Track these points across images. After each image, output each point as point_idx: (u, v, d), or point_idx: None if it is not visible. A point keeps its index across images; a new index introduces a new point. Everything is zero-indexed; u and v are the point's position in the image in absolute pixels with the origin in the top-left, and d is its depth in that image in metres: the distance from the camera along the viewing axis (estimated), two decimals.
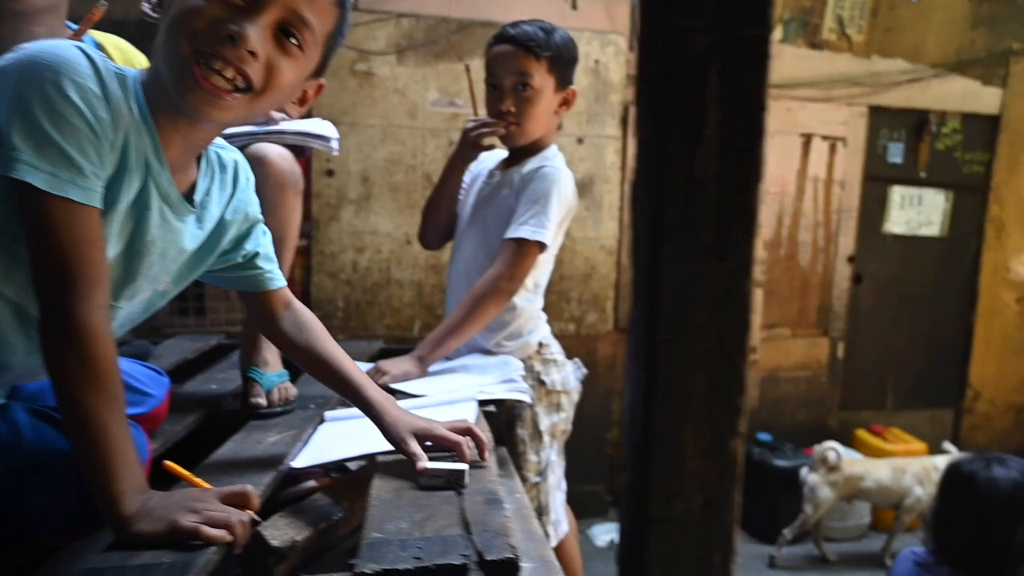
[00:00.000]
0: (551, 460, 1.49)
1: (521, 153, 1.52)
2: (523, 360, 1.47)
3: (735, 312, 0.44)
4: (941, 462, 3.11)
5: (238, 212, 1.00)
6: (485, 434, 1.00)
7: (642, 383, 0.45)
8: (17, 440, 0.80)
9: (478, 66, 1.63)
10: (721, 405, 0.45)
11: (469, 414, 1.10)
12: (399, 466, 0.91)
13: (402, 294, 3.21)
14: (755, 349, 3.64)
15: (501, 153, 1.59)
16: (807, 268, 3.70)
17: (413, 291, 3.22)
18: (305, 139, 1.31)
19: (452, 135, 3.06)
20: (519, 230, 1.39)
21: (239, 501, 0.75)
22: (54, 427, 0.81)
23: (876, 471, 3.17)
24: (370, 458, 0.96)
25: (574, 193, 1.51)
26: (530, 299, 1.53)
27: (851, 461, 3.19)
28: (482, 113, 1.54)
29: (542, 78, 1.46)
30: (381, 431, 0.96)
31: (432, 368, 1.42)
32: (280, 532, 0.83)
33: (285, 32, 0.81)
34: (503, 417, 1.42)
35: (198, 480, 0.81)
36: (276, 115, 1.38)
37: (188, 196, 0.92)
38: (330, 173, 3.08)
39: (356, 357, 1.12)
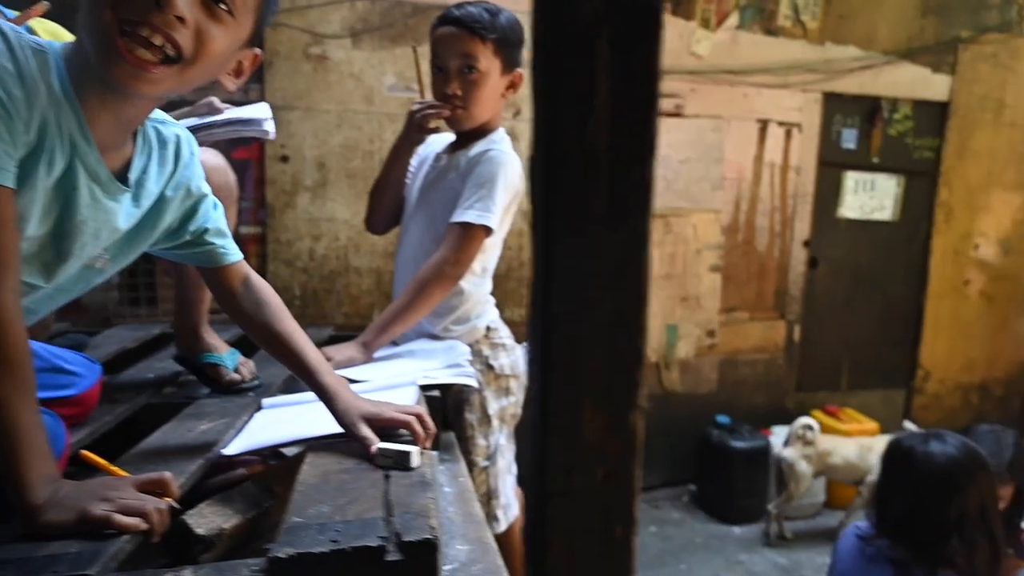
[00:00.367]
0: (500, 444, 1.49)
1: (468, 137, 1.50)
2: (471, 345, 1.47)
3: (631, 285, 0.44)
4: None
5: (179, 188, 0.98)
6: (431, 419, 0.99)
7: (538, 357, 0.44)
8: None
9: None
10: (620, 379, 0.45)
11: (409, 399, 1.09)
12: (330, 450, 0.90)
13: (360, 282, 3.17)
14: (714, 333, 3.69)
15: (449, 136, 1.57)
16: (764, 253, 3.75)
17: (372, 278, 3.18)
18: (236, 130, 1.26)
19: None
20: (465, 214, 1.38)
21: (156, 488, 0.73)
22: None
23: (843, 448, 3.25)
24: (306, 443, 0.95)
25: (521, 177, 1.50)
26: (477, 283, 1.52)
27: (822, 437, 3.26)
28: (429, 96, 1.52)
29: (488, 61, 1.44)
30: (333, 416, 0.95)
31: (378, 354, 1.40)
32: (206, 520, 0.81)
33: None
34: (451, 402, 1.41)
35: (115, 469, 0.79)
36: (220, 105, 1.34)
37: (123, 174, 0.89)
38: (284, 159, 3.03)
39: None
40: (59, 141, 0.78)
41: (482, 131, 1.49)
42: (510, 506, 1.50)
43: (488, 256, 1.52)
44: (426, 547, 0.62)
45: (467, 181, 1.41)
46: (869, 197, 3.90)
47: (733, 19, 3.49)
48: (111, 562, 0.62)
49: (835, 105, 3.74)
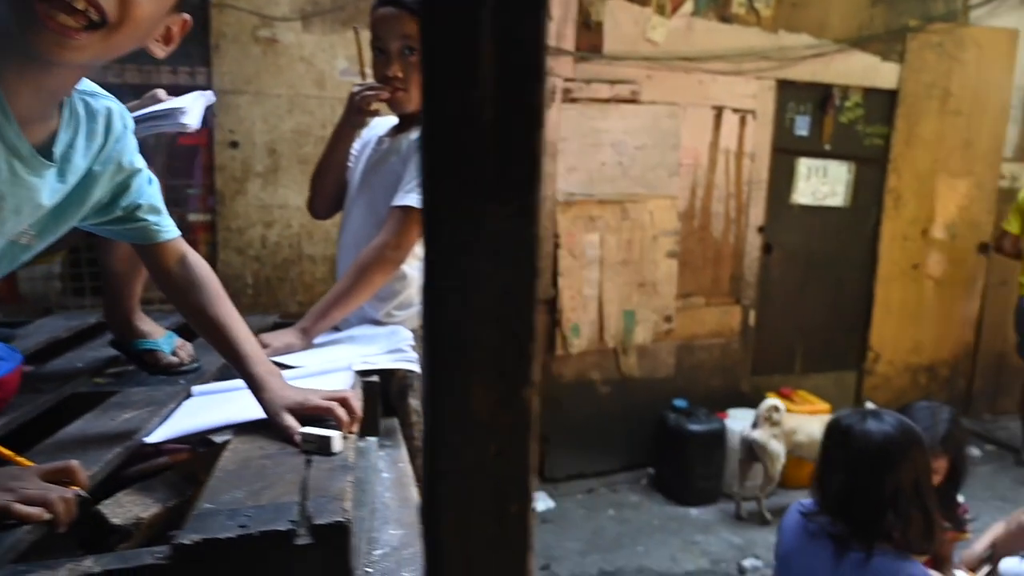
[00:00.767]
0: None
1: (411, 119, 1.48)
2: (414, 330, 1.45)
3: (521, 259, 0.43)
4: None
5: (109, 163, 0.94)
6: (358, 403, 0.98)
7: (427, 334, 0.44)
8: None
9: None
10: (511, 354, 0.44)
11: (343, 384, 1.07)
12: (255, 437, 0.88)
13: (315, 269, 3.13)
14: (671, 318, 3.73)
15: (392, 120, 1.55)
16: (720, 239, 3.80)
17: (326, 266, 3.14)
18: (155, 125, 1.21)
19: None
20: (406, 198, 1.36)
21: (63, 477, 0.71)
22: None
23: (808, 426, 3.33)
24: (232, 428, 0.93)
25: None
26: (420, 268, 1.50)
27: (787, 416, 3.33)
28: (370, 78, 1.49)
29: None
30: (260, 406, 0.94)
31: (319, 339, 1.38)
32: (123, 510, 0.79)
33: None
34: (394, 387, 1.40)
35: (19, 459, 0.76)
36: (163, 96, 1.29)
37: (48, 148, 0.86)
38: (234, 145, 2.96)
39: None
40: None
41: None
42: None
43: None
44: (338, 530, 0.61)
45: (409, 164, 1.40)
46: (821, 183, 3.98)
47: (688, 6, 3.51)
48: (8, 553, 0.60)
49: (788, 92, 3.80)
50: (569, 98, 3.39)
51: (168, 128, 1.21)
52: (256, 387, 0.95)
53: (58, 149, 0.87)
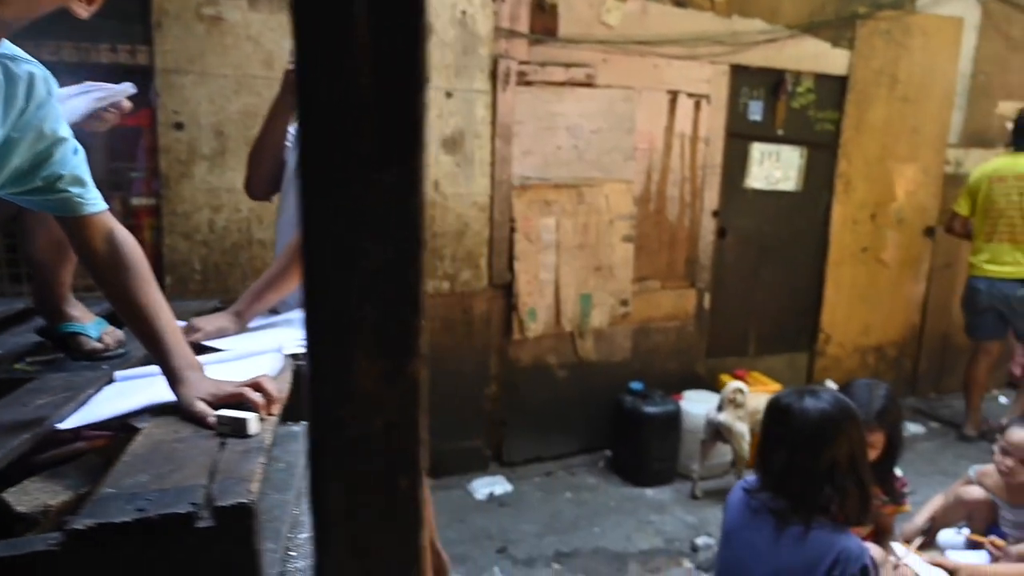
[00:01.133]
0: None
1: None
2: None
3: (404, 229, 0.42)
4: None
5: (29, 129, 0.90)
6: (281, 385, 0.96)
7: (307, 307, 0.42)
8: None
9: None
10: (395, 327, 0.43)
11: (270, 367, 1.05)
12: (173, 421, 0.86)
13: (265, 254, 3.06)
14: (627, 302, 3.76)
15: None
16: (675, 223, 3.84)
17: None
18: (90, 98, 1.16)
19: None
20: None
21: None
22: None
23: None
24: (147, 412, 0.90)
25: None
26: None
27: (750, 396, 3.39)
28: None
29: None
30: (177, 400, 0.92)
31: (255, 323, 1.35)
32: (29, 498, 0.76)
33: None
34: None
35: None
36: (93, 84, 1.24)
37: None
38: (179, 126, 2.88)
39: (182, 317, 1.06)
40: None
41: None
42: None
43: None
44: (241, 512, 0.59)
45: None
46: (774, 168, 4.03)
47: None
48: None
49: (742, 77, 3.83)
50: (524, 81, 3.37)
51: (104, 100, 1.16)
52: (173, 381, 0.93)
53: None
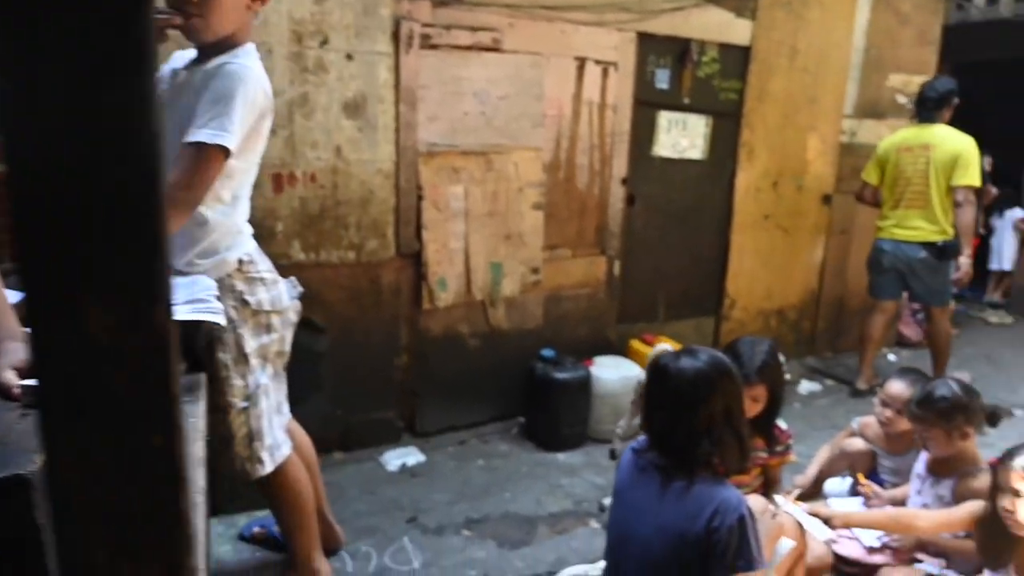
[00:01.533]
0: (262, 384, 1.41)
1: (209, 51, 1.36)
2: (222, 279, 1.36)
3: (137, 155, 0.37)
4: None
5: None
6: None
7: (24, 247, 0.37)
8: None
9: None
10: (132, 271, 0.38)
11: None
12: None
13: None
14: (538, 270, 3.76)
15: (192, 52, 1.41)
16: (584, 190, 3.86)
17: None
18: None
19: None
20: (197, 133, 1.25)
21: None
22: None
23: None
24: None
25: (267, 95, 1.38)
26: (226, 212, 1.39)
27: None
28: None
29: None
30: None
31: None
32: None
33: None
34: (201, 341, 1.31)
35: None
36: None
37: None
38: None
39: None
40: None
41: (226, 45, 1.35)
42: (278, 447, 1.44)
43: (237, 182, 1.40)
44: (18, 484, 0.54)
45: (202, 98, 1.28)
46: (681, 136, 4.10)
47: None
48: None
49: (649, 45, 3.86)
50: (428, 44, 3.28)
51: None
52: None
53: None
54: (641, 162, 4.00)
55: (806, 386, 4.50)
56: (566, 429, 3.61)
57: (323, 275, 3.23)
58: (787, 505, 1.94)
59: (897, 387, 2.64)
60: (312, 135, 3.10)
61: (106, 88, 0.39)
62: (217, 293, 1.28)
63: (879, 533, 2.29)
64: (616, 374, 3.67)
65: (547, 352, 3.70)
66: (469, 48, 3.38)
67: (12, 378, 0.79)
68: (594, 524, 2.95)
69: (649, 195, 4.09)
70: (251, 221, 3.04)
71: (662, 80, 3.95)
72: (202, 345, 1.33)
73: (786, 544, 1.84)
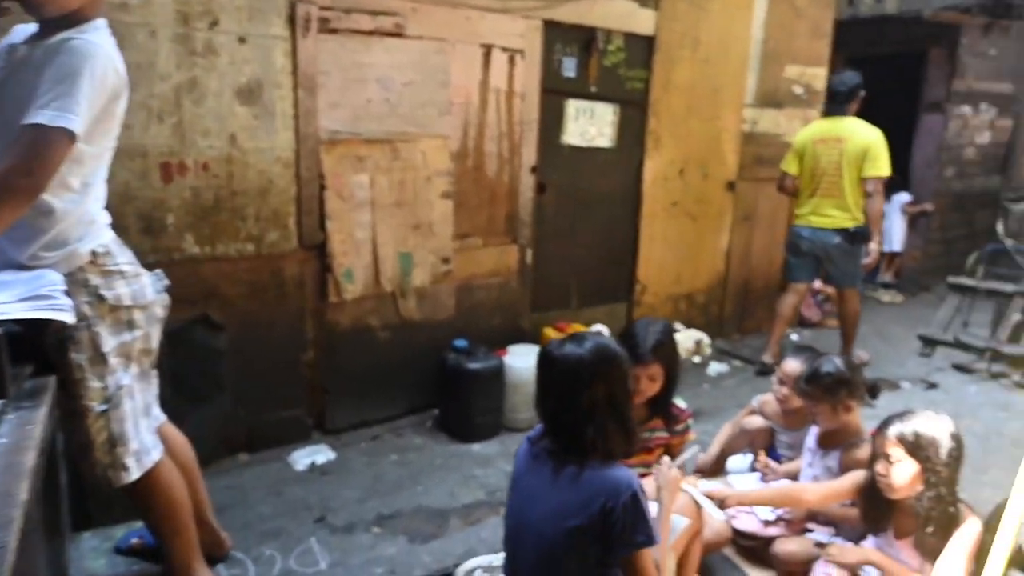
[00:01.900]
0: (124, 384, 1.31)
1: (53, 26, 1.24)
2: (72, 273, 1.25)
3: None
4: (680, 337, 3.82)
5: None
6: None
7: None
8: None
9: None
10: None
11: None
12: None
13: None
14: (448, 260, 3.72)
15: (32, 26, 1.29)
16: (494, 179, 3.83)
17: None
18: None
19: None
20: (37, 115, 1.14)
21: None
22: None
23: None
24: None
25: (120, 74, 1.27)
26: (76, 201, 1.28)
27: None
28: None
29: None
30: None
31: None
32: None
33: None
34: (50, 341, 1.20)
35: None
36: None
37: None
38: None
39: None
40: None
41: (73, 20, 1.24)
42: (146, 451, 1.35)
43: (89, 168, 1.29)
44: None
45: (43, 75, 1.17)
46: (589, 124, 4.14)
47: None
48: None
49: (555, 33, 3.86)
50: (327, 28, 3.17)
51: None
52: None
53: None
54: (550, 150, 4.01)
55: (715, 367, 4.65)
56: (480, 419, 3.59)
57: (221, 269, 3.09)
58: (684, 485, 1.98)
59: (792, 365, 2.75)
60: (203, 122, 2.94)
61: None
62: (65, 288, 1.18)
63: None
64: (529, 363, 3.64)
65: (459, 342, 3.67)
66: (371, 33, 3.28)
67: None
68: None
69: (559, 183, 4.11)
70: (138, 213, 2.89)
71: (569, 68, 3.97)
72: (52, 345, 1.22)
73: (680, 522, 1.88)
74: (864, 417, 2.54)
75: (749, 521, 2.37)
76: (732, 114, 4.72)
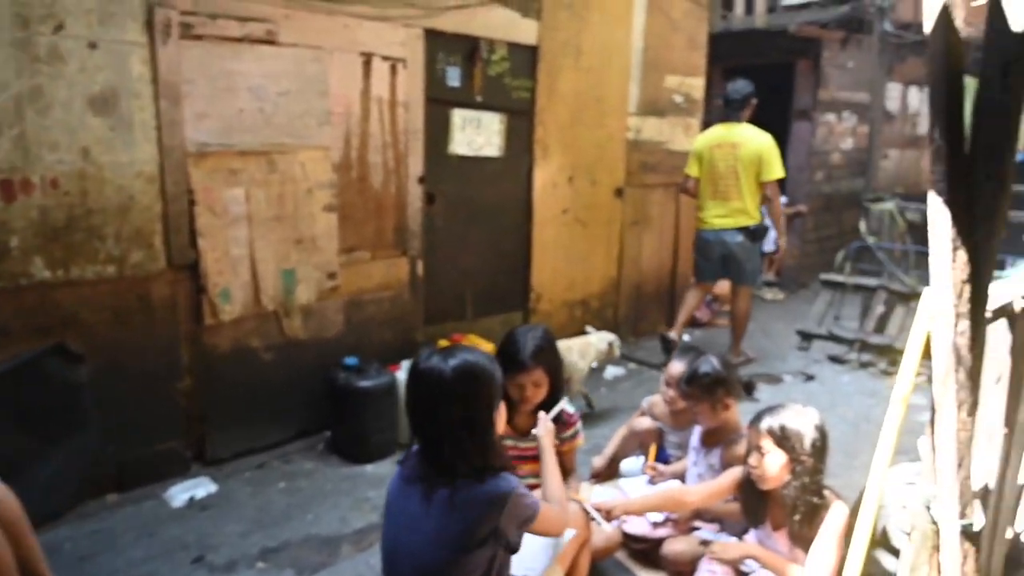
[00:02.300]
0: None
1: None
2: None
3: None
4: (593, 339, 3.93)
5: None
6: None
7: None
8: None
9: None
10: None
11: None
12: None
13: None
14: (335, 275, 3.59)
15: None
16: (380, 190, 3.74)
17: None
18: None
19: None
20: None
21: None
22: None
23: None
24: None
25: None
26: None
27: None
28: None
29: None
30: None
31: None
32: None
33: None
34: None
35: None
36: None
37: None
38: None
39: None
40: None
41: None
42: None
43: None
44: None
45: None
46: (476, 134, 4.12)
47: None
48: None
49: (437, 42, 3.82)
50: (191, 35, 2.98)
51: None
52: None
53: None
54: (438, 160, 3.96)
55: (611, 371, 4.73)
56: (374, 439, 3.48)
57: (78, 294, 2.84)
58: (573, 496, 1.97)
59: (677, 367, 2.81)
60: (50, 134, 2.69)
61: None
62: None
63: None
64: None
65: (350, 360, 3.54)
66: (240, 40, 3.12)
67: None
68: None
69: (449, 193, 4.06)
70: None
71: (453, 78, 3.94)
72: None
73: (568, 532, 1.86)
74: (749, 413, 2.63)
75: (639, 524, 2.40)
76: (617, 122, 4.84)
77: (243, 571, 2.61)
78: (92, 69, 2.76)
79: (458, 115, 4.00)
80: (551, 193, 4.55)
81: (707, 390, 2.35)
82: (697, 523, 2.40)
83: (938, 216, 1.34)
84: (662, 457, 2.88)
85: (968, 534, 1.46)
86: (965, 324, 1.37)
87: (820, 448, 1.96)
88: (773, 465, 1.96)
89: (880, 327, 4.88)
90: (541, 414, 2.11)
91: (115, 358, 2.96)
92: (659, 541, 2.39)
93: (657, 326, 5.53)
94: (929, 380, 1.48)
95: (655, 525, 2.40)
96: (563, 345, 3.93)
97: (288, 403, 3.53)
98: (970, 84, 1.22)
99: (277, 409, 3.50)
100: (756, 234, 4.65)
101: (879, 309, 4.90)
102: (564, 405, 2.34)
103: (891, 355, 4.67)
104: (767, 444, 1.96)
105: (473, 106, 4.05)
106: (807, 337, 5.23)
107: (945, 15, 1.24)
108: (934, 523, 1.54)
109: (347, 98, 3.52)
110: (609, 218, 4.96)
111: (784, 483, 1.96)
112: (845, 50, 6.91)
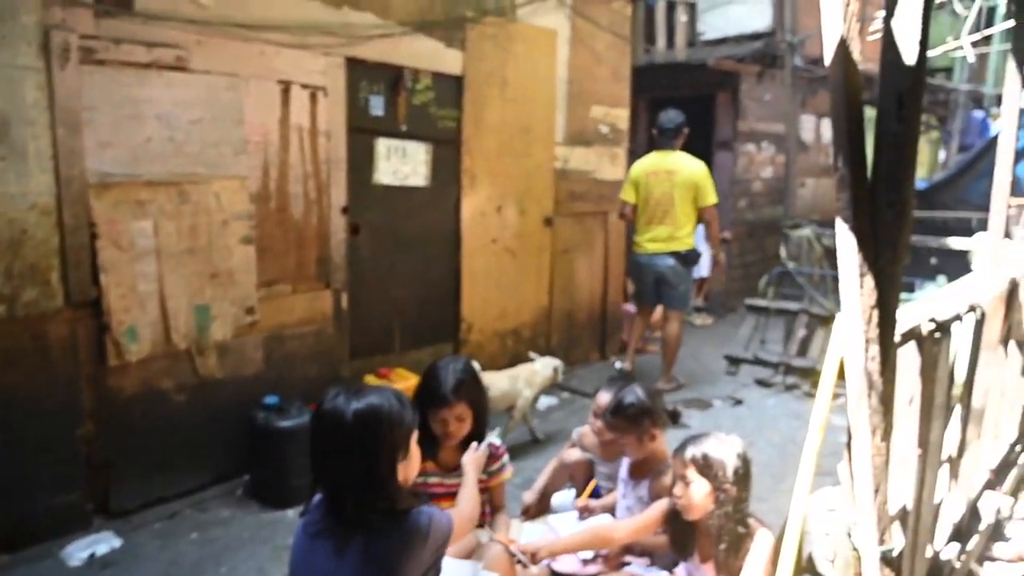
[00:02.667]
0: None
1: None
2: None
3: None
4: (538, 366, 3.97)
5: None
6: None
7: None
8: None
9: None
10: None
11: None
12: None
13: None
14: (253, 310, 3.43)
15: None
16: (301, 221, 3.62)
17: None
18: None
19: None
20: None
21: None
22: None
23: (498, 382, 3.75)
24: None
25: None
26: None
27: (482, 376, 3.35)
28: None
29: None
30: None
31: None
32: None
33: None
34: None
35: None
36: None
37: None
38: None
39: None
40: None
41: None
42: None
43: None
44: None
45: None
46: (402, 163, 4.06)
47: None
48: None
49: (359, 71, 3.76)
50: (93, 60, 2.83)
51: None
52: None
53: None
54: (362, 190, 3.87)
55: (544, 401, 4.68)
56: (296, 481, 3.30)
57: None
58: (497, 538, 1.90)
59: (605, 398, 2.77)
60: None
61: None
62: None
63: None
64: None
65: (270, 399, 3.38)
66: (148, 66, 2.98)
67: None
68: None
69: (374, 224, 3.97)
70: None
71: (376, 107, 3.88)
72: None
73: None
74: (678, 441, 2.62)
75: (568, 562, 2.33)
76: (544, 152, 4.87)
77: None
78: None
79: (382, 144, 3.93)
80: (480, 222, 4.52)
81: (633, 421, 2.32)
82: (628, 558, 2.35)
83: (845, 243, 1.35)
84: (597, 491, 2.82)
85: (888, 560, 1.46)
86: (875, 349, 1.38)
87: (743, 476, 1.95)
88: (697, 494, 1.94)
89: (803, 350, 5.02)
90: (473, 444, 2.06)
91: (6, 405, 2.72)
92: None
93: (590, 353, 5.54)
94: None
95: (585, 562, 2.34)
96: (510, 373, 3.93)
97: (203, 447, 3.32)
98: (871, 115, 1.24)
99: (191, 454, 3.29)
100: (688, 259, 4.77)
101: (801, 332, 5.05)
102: (492, 438, 2.27)
103: (814, 377, 4.79)
104: (691, 473, 1.94)
105: (398, 135, 3.99)
106: (735, 361, 5.33)
107: (843, 48, 1.26)
108: (855, 550, 1.54)
109: (264, 127, 3.40)
110: (539, 247, 4.96)
111: (709, 513, 1.94)
112: (761, 83, 7.21)
